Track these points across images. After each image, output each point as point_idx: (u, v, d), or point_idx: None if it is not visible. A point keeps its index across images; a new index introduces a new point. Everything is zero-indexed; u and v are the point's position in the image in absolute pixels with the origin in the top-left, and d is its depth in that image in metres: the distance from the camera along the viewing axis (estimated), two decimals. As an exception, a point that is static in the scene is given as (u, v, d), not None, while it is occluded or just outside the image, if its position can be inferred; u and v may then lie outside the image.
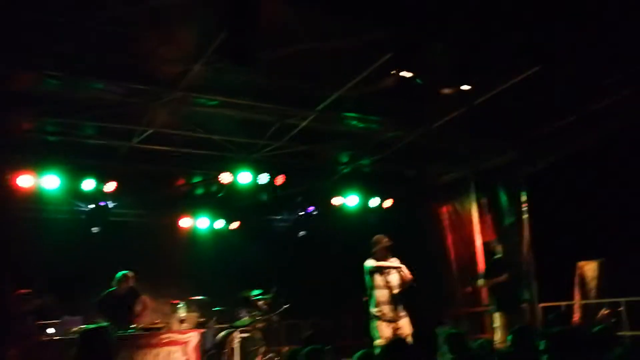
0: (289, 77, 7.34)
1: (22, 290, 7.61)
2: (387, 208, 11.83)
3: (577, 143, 8.88)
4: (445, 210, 11.61)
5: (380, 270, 7.26)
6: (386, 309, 7.14)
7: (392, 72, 5.86)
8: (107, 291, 7.58)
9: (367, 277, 7.29)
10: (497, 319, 7.86)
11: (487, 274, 8.43)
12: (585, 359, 3.37)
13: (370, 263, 7.30)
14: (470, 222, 10.94)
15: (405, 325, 7.14)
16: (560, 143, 9.12)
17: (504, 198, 10.23)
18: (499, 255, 8.68)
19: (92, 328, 4.33)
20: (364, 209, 11.69)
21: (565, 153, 9.09)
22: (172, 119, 8.28)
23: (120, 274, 7.65)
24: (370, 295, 7.27)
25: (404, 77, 5.86)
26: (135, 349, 6.78)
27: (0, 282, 8.10)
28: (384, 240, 7.41)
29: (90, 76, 6.98)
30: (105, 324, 4.95)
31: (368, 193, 11.64)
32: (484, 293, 10.36)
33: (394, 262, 7.39)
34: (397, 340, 4.88)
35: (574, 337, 3.52)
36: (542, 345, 3.79)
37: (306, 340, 5.07)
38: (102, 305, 7.45)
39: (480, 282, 8.41)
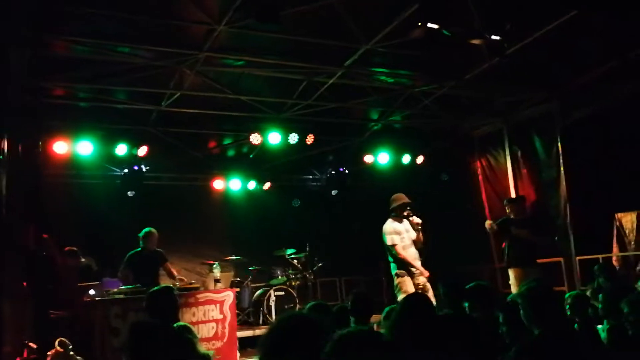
0: (314, 34, 7.23)
1: (68, 248, 7.82)
2: (419, 164, 11.70)
3: (614, 93, 8.54)
4: (479, 164, 11.43)
5: (398, 231, 7.37)
6: (406, 266, 7.26)
7: (419, 24, 5.65)
8: (134, 251, 7.72)
9: (384, 237, 7.39)
10: (512, 275, 7.70)
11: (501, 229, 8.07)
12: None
13: (387, 226, 7.40)
14: (505, 175, 10.77)
15: (426, 282, 7.26)
16: (597, 93, 8.77)
17: (540, 150, 9.98)
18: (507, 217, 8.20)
19: (161, 288, 4.75)
20: (396, 166, 11.59)
21: (602, 103, 8.75)
22: (199, 81, 8.28)
23: (143, 231, 7.77)
24: (391, 254, 7.39)
25: (431, 29, 5.66)
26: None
27: (45, 247, 8.34)
28: (402, 198, 7.51)
29: (117, 41, 6.99)
30: (169, 285, 5.27)
31: (400, 150, 11.53)
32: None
33: (413, 220, 7.49)
34: (416, 294, 4.82)
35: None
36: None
37: (355, 296, 5.05)
38: (129, 264, 7.59)
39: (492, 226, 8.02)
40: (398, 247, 7.29)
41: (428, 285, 7.26)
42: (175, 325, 4.41)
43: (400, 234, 7.38)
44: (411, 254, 7.34)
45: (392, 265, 7.43)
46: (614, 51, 8.02)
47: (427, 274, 7.29)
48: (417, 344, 2.91)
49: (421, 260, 7.44)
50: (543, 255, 9.30)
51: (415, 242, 7.48)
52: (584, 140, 9.25)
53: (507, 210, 8.08)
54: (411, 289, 7.14)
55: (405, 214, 7.51)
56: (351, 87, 9.04)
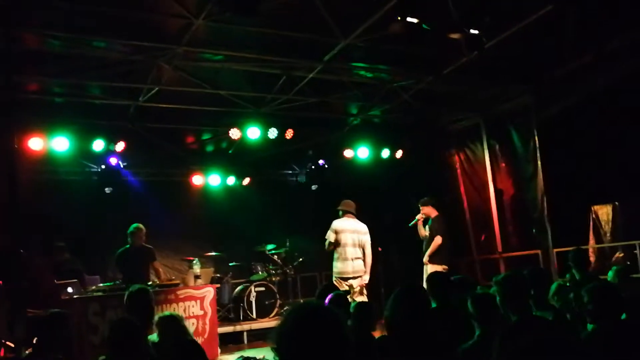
0: (293, 28, 7.20)
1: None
2: (399, 159, 11.75)
3: (590, 86, 8.66)
4: (457, 158, 11.52)
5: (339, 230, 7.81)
6: (341, 266, 7.72)
7: (398, 18, 5.67)
8: (123, 248, 7.66)
9: (332, 234, 7.81)
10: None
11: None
12: None
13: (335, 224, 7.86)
14: (483, 169, 10.87)
15: (356, 284, 7.70)
16: (573, 87, 8.90)
17: (517, 144, 10.09)
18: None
19: (139, 288, 4.91)
20: (376, 160, 11.62)
21: (578, 97, 8.87)
22: (177, 75, 8.20)
23: (131, 227, 7.70)
24: (333, 252, 7.82)
25: (410, 23, 5.68)
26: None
27: (22, 245, 8.19)
28: (350, 205, 8.02)
29: (92, 35, 6.89)
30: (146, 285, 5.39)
31: (379, 144, 11.55)
32: (498, 240, 10.43)
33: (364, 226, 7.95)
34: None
35: None
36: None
37: (321, 291, 5.10)
38: (119, 262, 7.55)
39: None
40: (326, 243, 7.79)
41: (357, 288, 7.65)
42: (164, 315, 4.61)
43: (341, 233, 7.76)
44: (347, 253, 7.70)
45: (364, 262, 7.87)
46: (589, 45, 8.11)
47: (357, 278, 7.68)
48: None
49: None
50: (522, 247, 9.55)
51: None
52: (561, 134, 9.38)
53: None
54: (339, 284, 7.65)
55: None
56: (331, 82, 9.03)
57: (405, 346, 2.93)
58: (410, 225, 8.64)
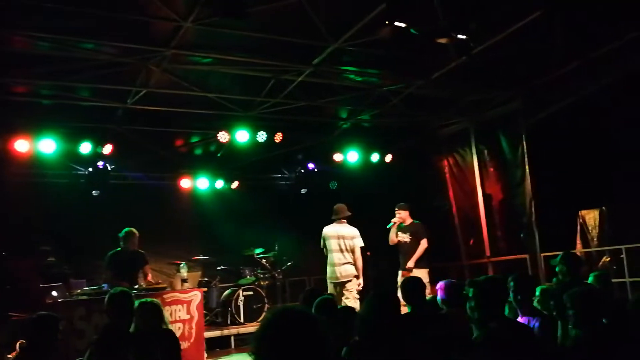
0: (282, 32, 7.18)
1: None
2: (388, 163, 11.76)
3: (578, 91, 8.73)
4: (446, 162, 11.55)
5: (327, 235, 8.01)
6: (330, 271, 7.92)
7: (387, 23, 5.67)
8: (114, 251, 7.59)
9: (322, 241, 8.03)
10: (399, 277, 8.30)
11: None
12: None
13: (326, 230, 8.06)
14: (472, 174, 10.89)
15: (351, 287, 7.85)
16: (561, 92, 8.96)
17: (506, 149, 10.13)
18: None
19: (121, 291, 4.91)
20: (366, 164, 11.64)
21: (567, 102, 8.94)
22: (166, 78, 8.16)
23: (123, 231, 7.65)
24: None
25: (398, 27, 5.68)
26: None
27: (5, 248, 8.14)
28: (339, 210, 8.12)
29: (80, 36, 6.84)
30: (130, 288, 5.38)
31: (369, 148, 11.57)
32: (486, 245, 10.47)
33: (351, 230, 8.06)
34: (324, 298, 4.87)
35: None
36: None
37: (306, 296, 5.09)
38: (110, 264, 7.47)
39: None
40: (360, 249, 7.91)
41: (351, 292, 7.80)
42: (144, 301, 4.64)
43: (327, 239, 7.96)
44: (333, 259, 7.89)
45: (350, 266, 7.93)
46: (577, 52, 8.17)
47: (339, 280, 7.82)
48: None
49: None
50: (510, 251, 9.60)
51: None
52: (549, 139, 9.43)
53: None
54: (331, 289, 7.84)
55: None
56: (320, 86, 9.02)
57: (374, 350, 2.93)
58: (388, 227, 8.68)
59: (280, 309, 1.93)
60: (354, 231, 7.98)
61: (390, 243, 8.63)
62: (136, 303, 4.65)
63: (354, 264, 7.84)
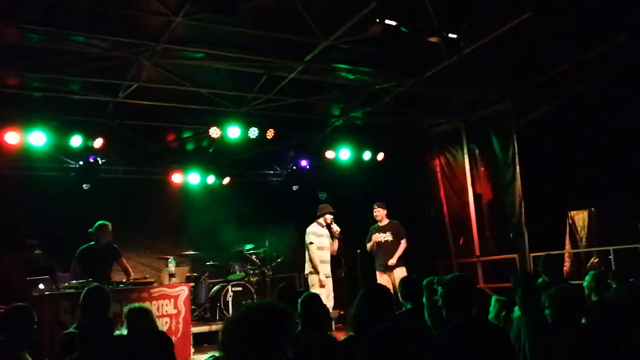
0: (274, 28, 7.18)
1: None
2: (380, 161, 11.77)
3: (568, 93, 8.76)
4: (437, 162, 11.58)
5: (318, 233, 8.29)
6: (321, 268, 8.12)
7: (377, 20, 5.68)
8: (85, 246, 7.53)
9: (305, 236, 8.29)
10: (379, 276, 8.69)
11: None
12: None
13: (310, 227, 8.34)
14: (463, 173, 10.93)
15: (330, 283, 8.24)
16: (551, 94, 9.00)
17: (497, 149, 10.17)
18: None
19: (92, 287, 4.97)
20: (357, 162, 11.64)
21: (556, 104, 8.97)
22: (157, 73, 8.14)
23: (95, 225, 7.60)
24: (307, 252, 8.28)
25: (389, 25, 5.69)
26: (126, 303, 6.83)
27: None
28: (327, 207, 8.45)
29: (70, 29, 6.81)
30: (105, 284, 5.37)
31: (361, 146, 11.57)
32: (476, 244, 10.51)
33: (333, 227, 8.40)
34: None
35: None
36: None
37: (279, 292, 5.12)
38: (79, 259, 7.41)
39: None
40: (313, 247, 8.13)
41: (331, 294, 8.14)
42: (133, 307, 4.59)
43: (319, 237, 8.22)
44: (322, 256, 8.16)
45: (307, 264, 8.25)
46: (567, 53, 8.20)
47: (323, 282, 8.05)
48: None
49: (344, 269, 8.59)
50: (500, 251, 9.66)
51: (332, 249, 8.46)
52: (539, 140, 9.46)
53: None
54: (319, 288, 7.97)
55: (328, 221, 8.35)
56: (312, 83, 9.02)
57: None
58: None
59: (247, 304, 1.95)
60: (307, 229, 8.37)
61: (369, 250, 8.90)
62: (125, 309, 4.60)
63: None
